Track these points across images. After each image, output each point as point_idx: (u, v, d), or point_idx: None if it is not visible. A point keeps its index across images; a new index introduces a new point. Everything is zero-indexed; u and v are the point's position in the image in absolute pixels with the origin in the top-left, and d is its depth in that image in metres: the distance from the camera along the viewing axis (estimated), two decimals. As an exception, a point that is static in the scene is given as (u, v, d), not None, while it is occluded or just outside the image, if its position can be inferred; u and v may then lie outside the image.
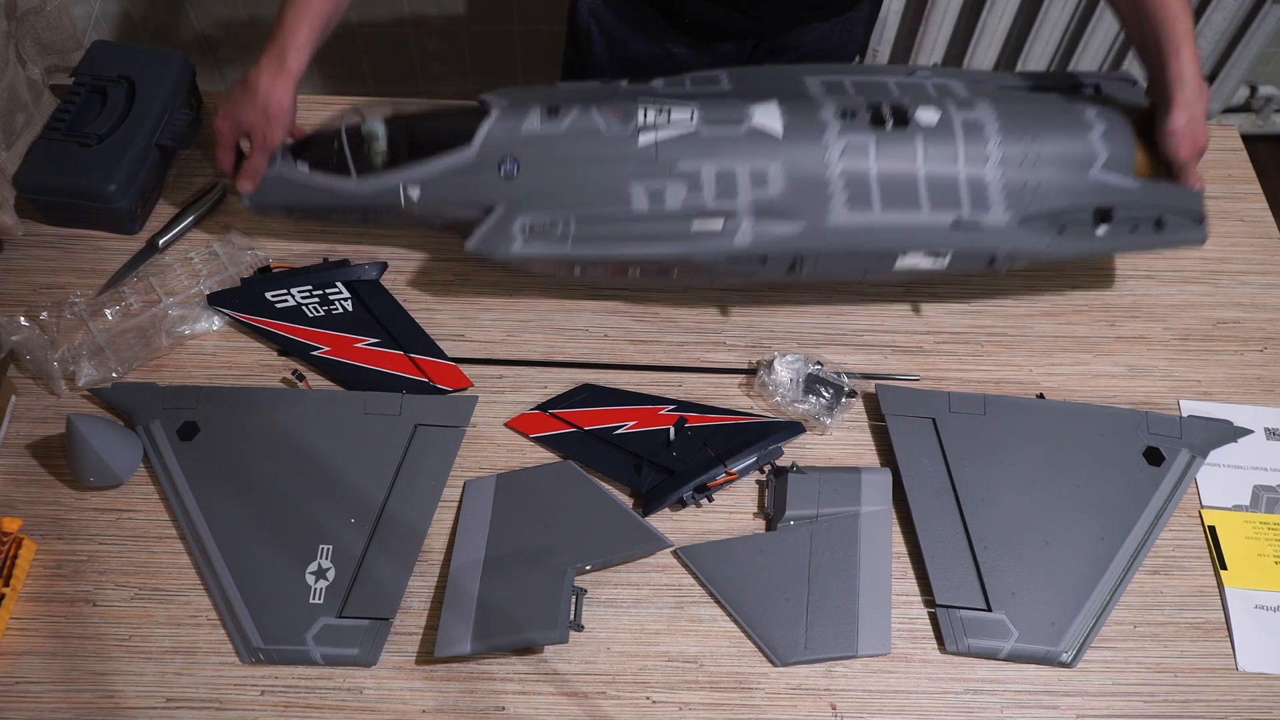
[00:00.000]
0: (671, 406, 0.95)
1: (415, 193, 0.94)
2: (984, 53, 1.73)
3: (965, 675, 0.83)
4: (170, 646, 0.82)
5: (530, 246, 0.93)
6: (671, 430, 0.92)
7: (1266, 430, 0.96)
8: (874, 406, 0.96)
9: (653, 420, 0.93)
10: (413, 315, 1.00)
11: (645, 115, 0.93)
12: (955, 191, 0.93)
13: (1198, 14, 1.69)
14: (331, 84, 1.82)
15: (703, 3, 1.10)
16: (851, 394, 0.95)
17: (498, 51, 1.80)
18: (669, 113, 0.93)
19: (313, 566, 0.85)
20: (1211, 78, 1.84)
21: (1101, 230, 0.94)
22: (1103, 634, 0.85)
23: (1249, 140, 1.20)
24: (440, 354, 0.97)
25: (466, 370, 0.97)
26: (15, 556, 0.83)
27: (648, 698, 0.82)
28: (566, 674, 0.82)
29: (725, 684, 0.82)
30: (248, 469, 0.89)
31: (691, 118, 0.93)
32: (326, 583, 0.84)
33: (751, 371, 0.98)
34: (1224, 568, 0.89)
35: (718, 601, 0.86)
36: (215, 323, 0.98)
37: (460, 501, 0.90)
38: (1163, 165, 0.96)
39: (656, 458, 0.91)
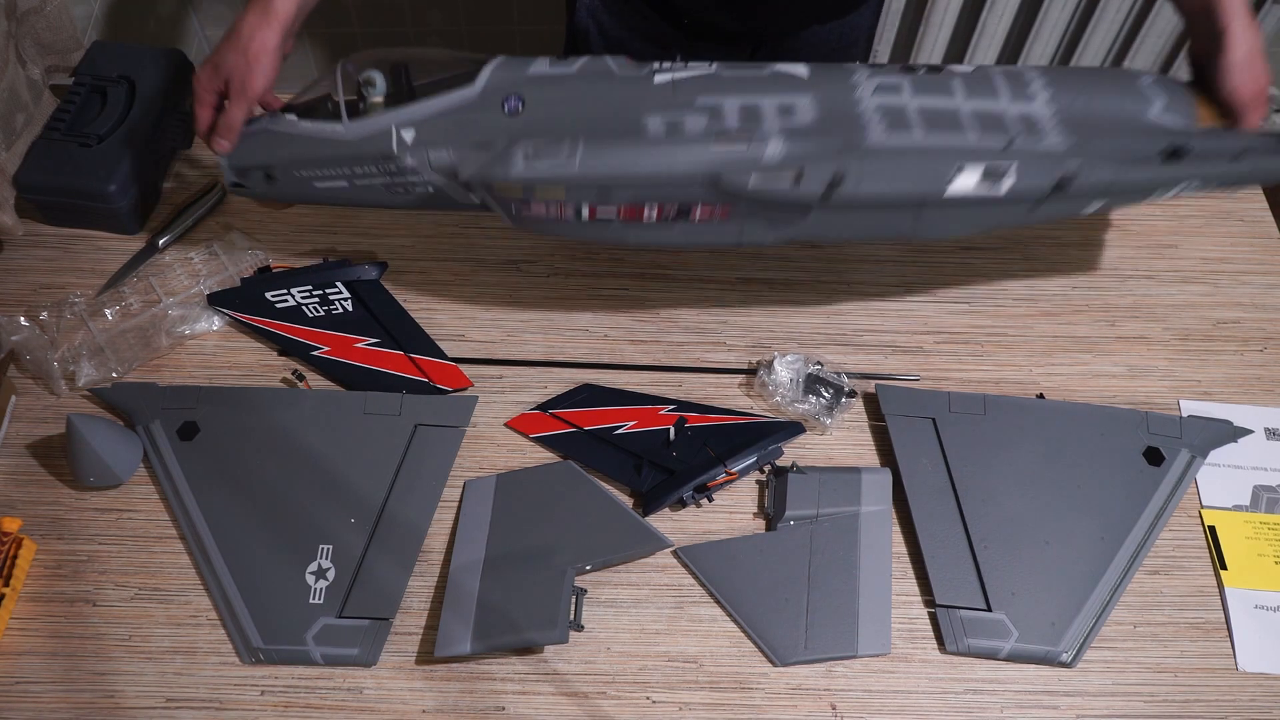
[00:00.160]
0: (671, 406, 0.95)
1: (410, 135, 0.86)
2: (984, 53, 1.73)
3: (965, 675, 0.83)
4: (170, 646, 0.82)
5: (533, 168, 0.83)
6: (671, 430, 0.92)
7: (1266, 430, 0.96)
8: (874, 406, 0.96)
9: (653, 420, 0.93)
10: (413, 315, 1.00)
11: (661, 63, 0.87)
12: (1003, 121, 0.84)
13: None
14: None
15: (701, 4, 1.10)
16: (851, 394, 0.95)
17: (497, 51, 1.80)
18: (686, 63, 0.87)
19: (313, 566, 0.85)
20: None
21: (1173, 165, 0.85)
22: (1103, 634, 0.85)
23: (1249, 140, 1.20)
24: (440, 354, 0.97)
25: (466, 370, 0.97)
26: (15, 556, 0.83)
27: (648, 698, 0.82)
28: (566, 674, 0.82)
29: (725, 684, 0.82)
30: (248, 469, 0.89)
31: (710, 65, 0.87)
32: (326, 583, 0.84)
33: (751, 371, 0.98)
34: (1224, 568, 0.89)
35: (718, 601, 0.86)
36: (215, 323, 0.98)
37: (460, 501, 0.90)
38: (1224, 114, 0.86)
39: (656, 458, 0.91)
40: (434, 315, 1.01)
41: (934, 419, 0.93)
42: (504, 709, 0.81)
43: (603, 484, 0.89)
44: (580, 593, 0.85)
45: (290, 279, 0.99)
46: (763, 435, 0.92)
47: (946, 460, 0.91)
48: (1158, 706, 0.82)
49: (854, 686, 0.82)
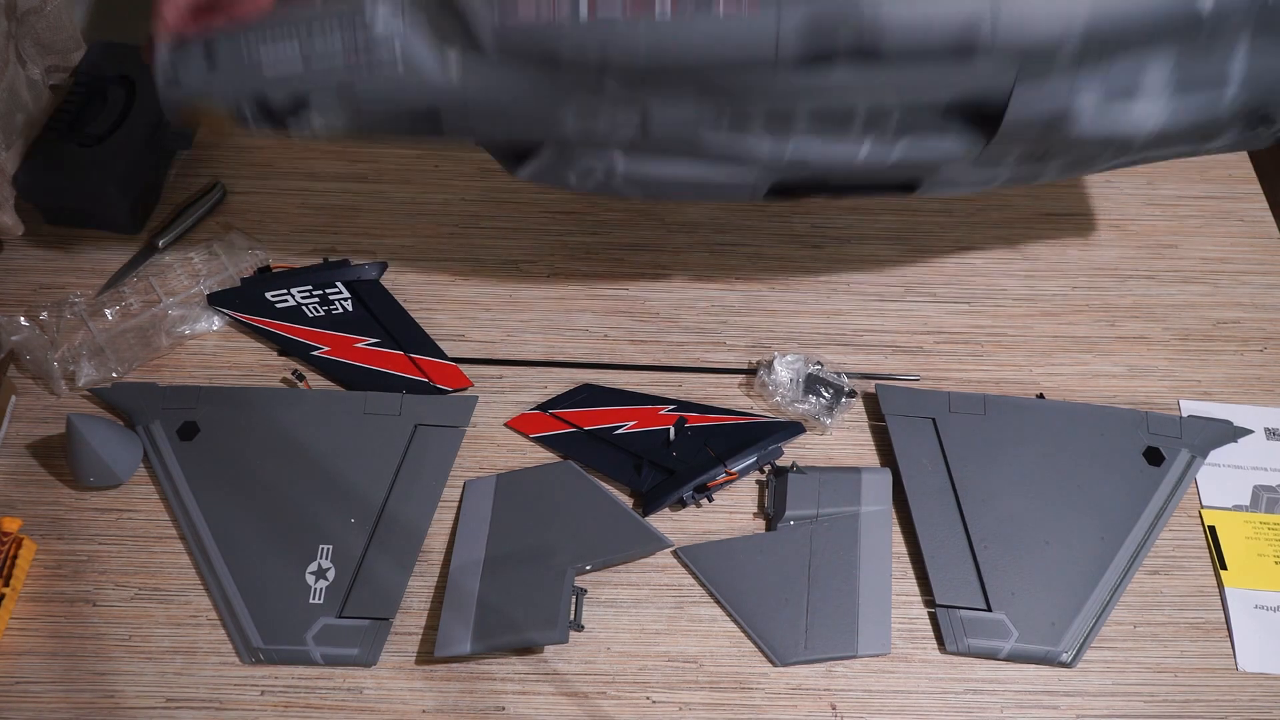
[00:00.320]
0: (671, 406, 0.95)
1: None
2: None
3: (965, 675, 0.83)
4: (170, 646, 0.82)
5: None
6: (671, 430, 0.92)
7: (1266, 430, 0.96)
8: (874, 406, 0.96)
9: (653, 420, 0.93)
10: (413, 315, 1.00)
11: None
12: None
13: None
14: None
15: None
16: (851, 394, 0.95)
17: None
18: None
19: (313, 566, 0.85)
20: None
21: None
22: (1103, 634, 0.85)
23: (1249, 140, 1.20)
24: (440, 354, 0.97)
25: (466, 370, 0.97)
26: (15, 556, 0.83)
27: (648, 698, 0.82)
28: (566, 674, 0.82)
29: (725, 684, 0.82)
30: (248, 469, 0.89)
31: None
32: (326, 583, 0.84)
33: (751, 371, 0.98)
34: (1224, 568, 0.89)
35: (718, 601, 0.86)
36: (215, 323, 0.98)
37: (460, 501, 0.90)
38: None
39: (656, 458, 0.91)
40: (434, 315, 1.01)
41: (934, 419, 0.93)
42: (504, 709, 0.81)
43: (603, 484, 0.89)
44: (580, 593, 0.85)
45: (290, 279, 0.99)
46: (763, 435, 0.92)
47: (946, 460, 0.91)
48: (1158, 706, 0.82)
49: (854, 686, 0.82)
